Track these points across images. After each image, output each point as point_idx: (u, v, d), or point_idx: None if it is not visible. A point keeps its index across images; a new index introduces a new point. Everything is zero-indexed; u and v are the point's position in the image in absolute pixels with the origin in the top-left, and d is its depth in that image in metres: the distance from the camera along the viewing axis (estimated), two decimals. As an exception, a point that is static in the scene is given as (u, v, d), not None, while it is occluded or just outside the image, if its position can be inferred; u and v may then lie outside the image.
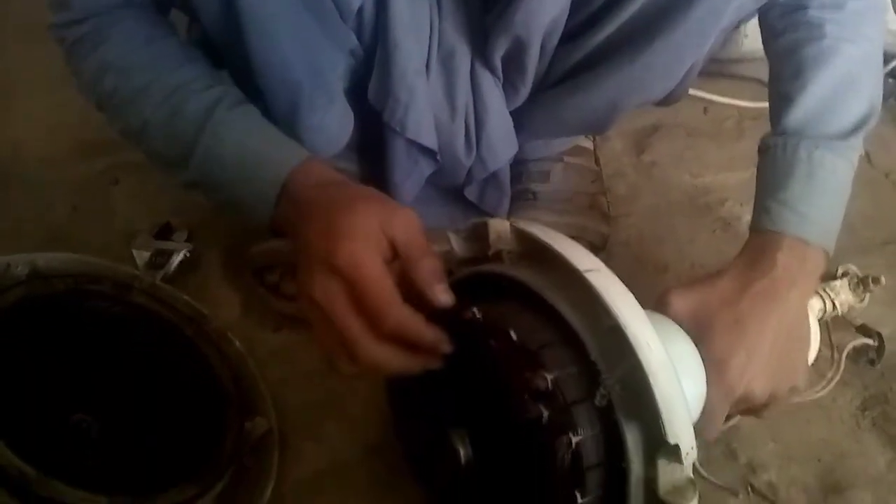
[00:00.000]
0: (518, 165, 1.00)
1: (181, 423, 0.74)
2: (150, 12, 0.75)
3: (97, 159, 1.11)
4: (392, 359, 0.60)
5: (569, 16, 0.78)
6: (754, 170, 0.78)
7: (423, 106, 0.81)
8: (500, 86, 0.85)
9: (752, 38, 0.81)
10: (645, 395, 0.52)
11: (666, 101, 0.92)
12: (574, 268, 0.56)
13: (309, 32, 0.73)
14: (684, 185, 1.14)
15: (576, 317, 0.56)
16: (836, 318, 0.90)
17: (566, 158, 1.04)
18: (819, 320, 0.85)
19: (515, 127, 0.89)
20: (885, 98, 1.26)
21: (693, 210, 1.10)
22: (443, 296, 0.60)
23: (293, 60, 0.73)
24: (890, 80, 1.31)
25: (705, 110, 1.26)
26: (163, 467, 0.69)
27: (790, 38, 0.78)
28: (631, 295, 0.55)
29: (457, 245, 0.67)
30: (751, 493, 0.78)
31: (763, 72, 0.87)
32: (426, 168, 0.89)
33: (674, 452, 0.53)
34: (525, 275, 0.60)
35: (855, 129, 0.76)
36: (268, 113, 0.74)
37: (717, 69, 1.28)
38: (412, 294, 0.60)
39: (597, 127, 0.96)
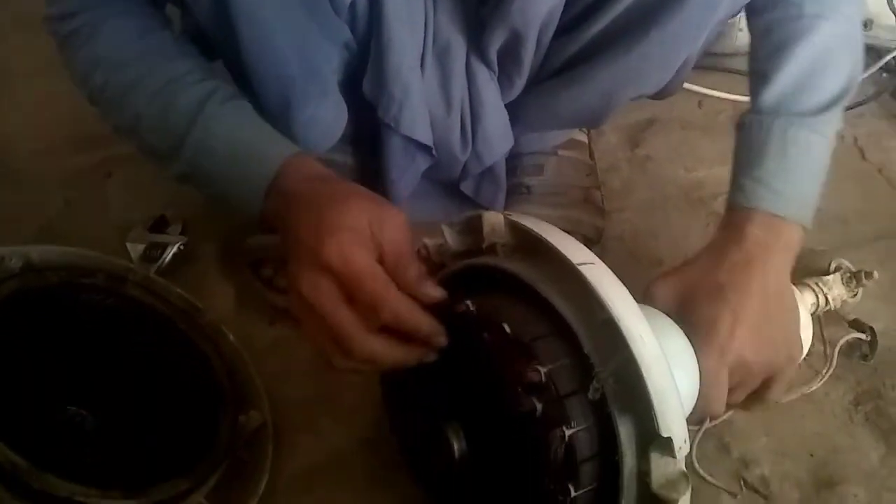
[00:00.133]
0: (512, 159, 1.00)
1: (175, 416, 0.74)
2: (144, 6, 0.75)
3: (91, 152, 1.11)
4: (387, 351, 0.60)
5: (565, 7, 0.78)
6: (749, 165, 0.78)
7: (417, 102, 0.81)
8: (496, 79, 0.85)
9: (746, 31, 0.81)
10: (638, 388, 0.52)
11: (661, 94, 0.92)
12: (568, 261, 0.56)
13: (302, 25, 0.72)
14: (679, 179, 1.14)
15: (569, 310, 0.56)
16: (828, 313, 0.90)
17: (560, 152, 1.04)
18: (812, 315, 0.85)
19: (510, 120, 0.89)
20: (879, 93, 1.27)
21: (687, 204, 1.10)
22: (433, 290, 0.61)
23: (286, 53, 0.73)
24: (884, 75, 1.31)
25: (700, 104, 1.26)
26: (157, 461, 0.69)
27: (769, 17, 0.78)
28: (624, 288, 0.56)
29: (451, 238, 0.67)
30: (743, 488, 0.78)
31: (758, 66, 0.87)
32: (422, 163, 0.89)
33: (667, 446, 0.53)
34: (519, 268, 0.60)
35: (830, 105, 0.76)
36: (261, 107, 0.74)
37: (711, 63, 1.29)
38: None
39: (592, 120, 0.96)
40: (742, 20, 0.88)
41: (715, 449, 0.81)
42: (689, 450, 0.54)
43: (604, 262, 0.57)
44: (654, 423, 0.52)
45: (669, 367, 0.54)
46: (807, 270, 0.92)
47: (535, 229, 0.60)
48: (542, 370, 0.54)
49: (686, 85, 1.18)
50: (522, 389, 0.54)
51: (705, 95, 1.26)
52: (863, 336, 0.89)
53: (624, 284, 0.56)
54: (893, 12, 1.24)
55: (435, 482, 0.70)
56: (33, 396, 0.67)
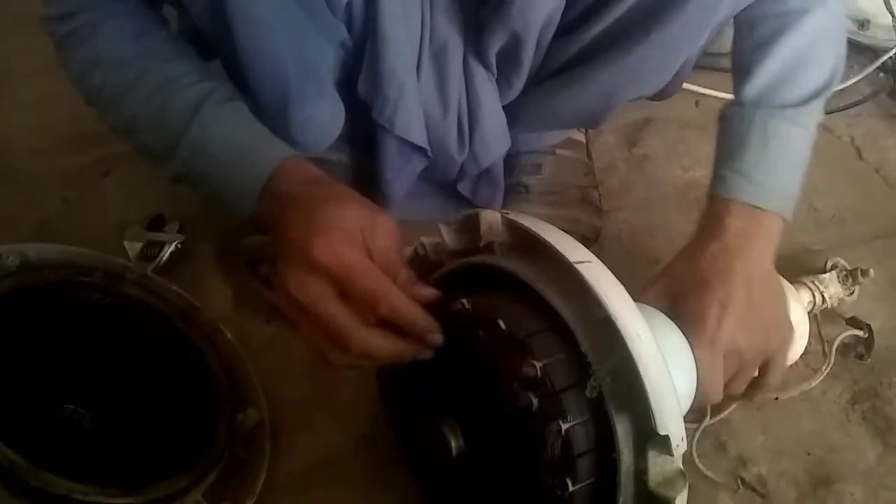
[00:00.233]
0: (510, 158, 1.00)
1: (173, 414, 0.74)
2: (141, 7, 0.75)
3: (89, 151, 1.10)
4: (384, 344, 0.60)
5: (565, 9, 0.78)
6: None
7: (412, 104, 0.81)
8: (494, 81, 0.85)
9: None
10: (635, 386, 0.52)
11: (660, 95, 0.92)
12: (565, 259, 0.56)
13: (298, 24, 0.72)
14: (676, 178, 1.15)
15: (567, 308, 0.56)
16: (825, 313, 0.90)
17: (558, 151, 1.04)
18: (808, 313, 0.85)
19: (508, 120, 0.89)
20: (876, 93, 1.27)
21: (684, 204, 1.10)
22: (425, 291, 0.61)
23: (282, 53, 0.73)
24: (881, 75, 1.31)
25: (697, 104, 1.26)
26: (154, 458, 0.69)
27: (754, 12, 0.78)
28: (622, 287, 0.56)
29: (448, 237, 0.67)
30: (740, 487, 0.79)
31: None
32: (417, 164, 0.88)
33: (664, 444, 0.53)
34: (516, 266, 0.60)
35: (812, 98, 0.77)
36: (257, 107, 0.74)
37: (708, 62, 1.28)
38: None
39: (591, 120, 0.96)
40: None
41: (712, 447, 0.82)
42: (686, 448, 0.54)
43: (601, 260, 0.57)
44: (652, 422, 0.52)
45: (667, 365, 0.54)
46: (803, 269, 0.93)
47: (533, 228, 0.60)
48: (538, 365, 0.54)
49: (684, 84, 1.18)
50: (518, 385, 0.55)
51: (702, 95, 1.26)
52: (860, 333, 0.89)
53: (621, 283, 0.56)
54: (890, 12, 1.24)
55: (433, 479, 0.70)
56: (31, 394, 0.67)
